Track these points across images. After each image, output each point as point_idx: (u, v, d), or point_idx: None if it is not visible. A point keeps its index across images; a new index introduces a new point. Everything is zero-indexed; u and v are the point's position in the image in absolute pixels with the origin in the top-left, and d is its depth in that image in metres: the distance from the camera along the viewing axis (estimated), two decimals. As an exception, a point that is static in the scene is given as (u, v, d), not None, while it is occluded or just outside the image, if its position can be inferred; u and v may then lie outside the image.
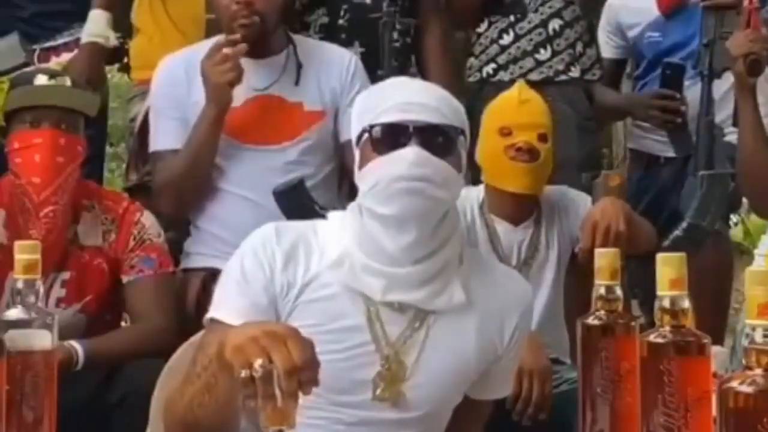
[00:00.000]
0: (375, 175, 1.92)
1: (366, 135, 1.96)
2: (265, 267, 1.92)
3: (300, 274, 1.92)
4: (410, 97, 1.95)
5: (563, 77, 3.56)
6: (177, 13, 3.47)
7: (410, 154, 1.89)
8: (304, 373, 1.54)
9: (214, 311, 1.92)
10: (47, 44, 3.50)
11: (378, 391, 1.92)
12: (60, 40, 3.50)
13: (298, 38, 3.18)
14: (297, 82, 3.10)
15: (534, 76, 3.47)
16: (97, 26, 3.36)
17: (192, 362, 1.86)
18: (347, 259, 1.92)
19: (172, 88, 3.09)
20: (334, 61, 3.15)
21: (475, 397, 2.05)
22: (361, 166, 1.97)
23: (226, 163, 3.05)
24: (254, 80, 3.05)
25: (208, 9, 3.30)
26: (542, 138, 2.93)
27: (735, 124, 3.13)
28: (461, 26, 3.98)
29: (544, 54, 3.56)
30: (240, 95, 3.02)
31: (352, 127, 2.02)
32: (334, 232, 1.97)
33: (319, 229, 1.99)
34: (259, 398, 1.52)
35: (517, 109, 2.97)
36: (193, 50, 3.15)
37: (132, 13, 3.57)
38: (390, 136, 1.93)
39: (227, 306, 1.91)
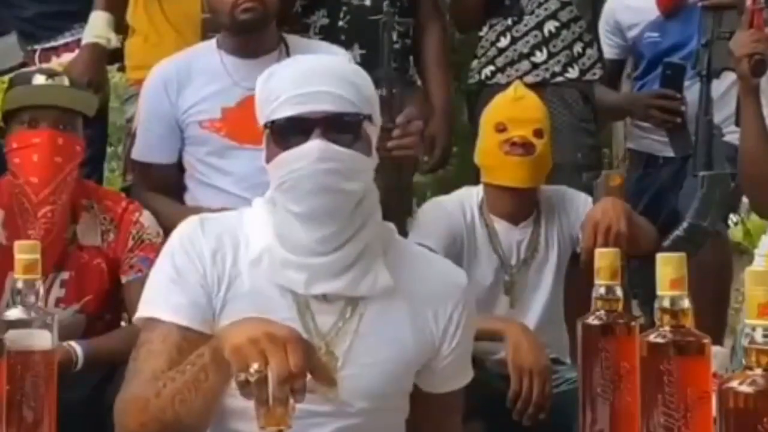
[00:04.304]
0: (281, 171, 1.88)
1: (268, 129, 1.91)
2: (196, 263, 1.89)
3: (228, 267, 1.89)
4: (310, 86, 1.87)
5: (559, 79, 3.57)
6: (173, 12, 3.48)
7: (314, 148, 1.84)
8: (298, 380, 1.54)
9: (150, 310, 1.90)
10: (48, 44, 3.50)
11: (309, 384, 1.89)
12: (61, 41, 3.51)
13: (291, 38, 3.19)
14: None
15: (530, 79, 3.48)
16: (98, 27, 3.35)
17: (134, 360, 1.85)
18: (266, 255, 1.88)
19: (160, 97, 3.10)
20: None
21: (432, 390, 2.01)
22: (267, 160, 1.92)
23: (224, 163, 3.06)
24: (248, 80, 3.05)
25: (204, 8, 3.30)
26: (537, 133, 2.93)
27: (737, 123, 3.13)
28: (465, 28, 3.99)
29: (540, 56, 3.57)
30: (234, 96, 3.03)
31: (257, 114, 1.95)
32: (258, 223, 1.92)
33: (245, 218, 1.96)
34: (254, 401, 1.54)
35: (512, 105, 2.98)
36: (189, 53, 3.16)
37: (127, 13, 3.57)
38: (291, 131, 1.87)
39: (165, 305, 1.88)
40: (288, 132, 1.88)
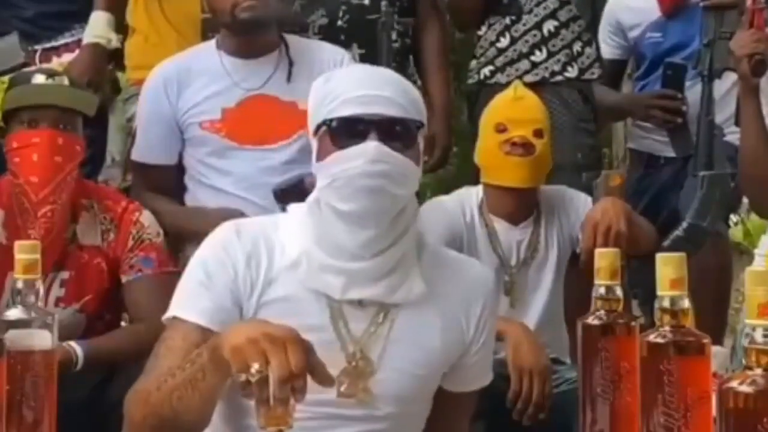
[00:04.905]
0: (334, 169, 1.89)
1: (324, 128, 1.92)
2: (228, 268, 1.90)
3: (263, 272, 1.91)
4: (370, 89, 1.91)
5: (559, 78, 3.57)
6: (173, 12, 3.48)
7: (370, 149, 1.87)
8: (298, 380, 1.55)
9: (178, 310, 1.91)
10: (49, 45, 3.50)
11: (342, 389, 1.89)
12: (61, 41, 3.51)
13: (290, 37, 3.18)
14: (289, 79, 3.09)
15: (530, 78, 3.48)
16: (98, 27, 3.36)
17: (154, 356, 1.87)
18: (305, 259, 1.90)
19: (160, 98, 3.10)
20: (327, 59, 3.14)
21: (455, 389, 2.03)
22: (319, 158, 1.94)
23: (224, 164, 3.06)
24: (248, 81, 3.06)
25: (204, 8, 3.30)
26: (538, 133, 2.93)
27: (737, 123, 3.12)
28: (464, 27, 3.98)
29: (539, 56, 3.56)
30: (234, 96, 3.03)
31: (309, 117, 1.98)
32: (294, 228, 1.94)
33: (280, 223, 1.97)
34: (254, 401, 1.54)
35: (512, 105, 2.98)
36: (189, 54, 3.16)
37: (127, 13, 3.57)
38: (349, 130, 1.89)
39: (191, 306, 1.90)
40: (345, 132, 1.90)
